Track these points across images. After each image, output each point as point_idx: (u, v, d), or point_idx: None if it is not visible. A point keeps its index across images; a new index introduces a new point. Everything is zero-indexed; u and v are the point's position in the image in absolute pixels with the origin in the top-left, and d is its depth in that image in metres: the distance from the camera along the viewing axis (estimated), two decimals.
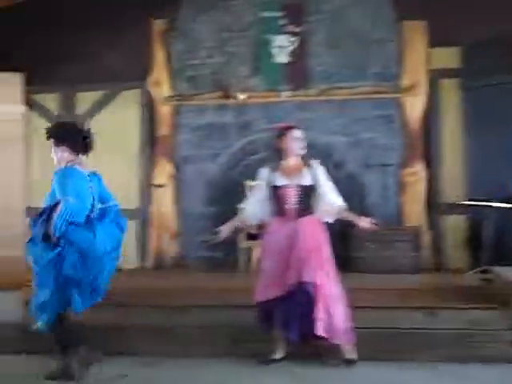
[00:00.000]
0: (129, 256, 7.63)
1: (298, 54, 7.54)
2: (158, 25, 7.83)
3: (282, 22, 7.56)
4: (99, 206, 4.77)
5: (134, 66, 7.69)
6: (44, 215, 4.63)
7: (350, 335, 4.80)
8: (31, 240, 4.65)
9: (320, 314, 4.68)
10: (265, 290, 4.83)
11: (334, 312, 4.75)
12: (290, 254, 4.78)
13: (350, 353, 4.84)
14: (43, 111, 8.09)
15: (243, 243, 7.01)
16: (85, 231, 4.57)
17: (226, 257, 7.37)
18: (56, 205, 4.59)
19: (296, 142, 4.94)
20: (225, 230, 5.07)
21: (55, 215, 4.51)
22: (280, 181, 4.90)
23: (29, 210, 7.94)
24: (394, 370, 4.76)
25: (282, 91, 7.55)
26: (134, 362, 4.97)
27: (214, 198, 7.67)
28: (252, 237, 6.81)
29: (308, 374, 4.72)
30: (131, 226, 7.76)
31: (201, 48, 7.77)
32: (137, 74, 7.74)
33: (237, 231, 6.18)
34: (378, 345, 4.96)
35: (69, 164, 4.74)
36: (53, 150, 4.80)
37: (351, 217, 4.96)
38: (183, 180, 7.73)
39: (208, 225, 7.48)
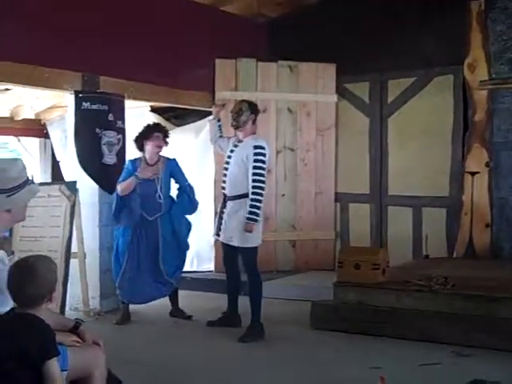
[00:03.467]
0: (438, 244, 7.46)
1: None
2: (475, 5, 7.44)
3: None
4: None
5: (448, 50, 7.44)
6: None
7: None
8: None
9: None
10: None
11: None
12: None
13: None
14: (354, 100, 8.22)
15: None
16: None
17: None
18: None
19: None
20: None
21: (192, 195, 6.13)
22: None
23: (339, 195, 8.19)
24: None
25: None
26: (446, 351, 4.82)
27: None
28: None
29: None
30: (440, 214, 7.60)
31: None
32: (451, 58, 7.47)
33: None
34: None
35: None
36: (158, 144, 5.94)
37: None
38: (499, 167, 7.28)
39: None
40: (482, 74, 7.39)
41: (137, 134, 6.12)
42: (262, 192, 5.29)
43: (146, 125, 6.15)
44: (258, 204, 5.25)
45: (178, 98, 7.57)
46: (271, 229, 7.78)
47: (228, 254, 5.62)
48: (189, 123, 8.43)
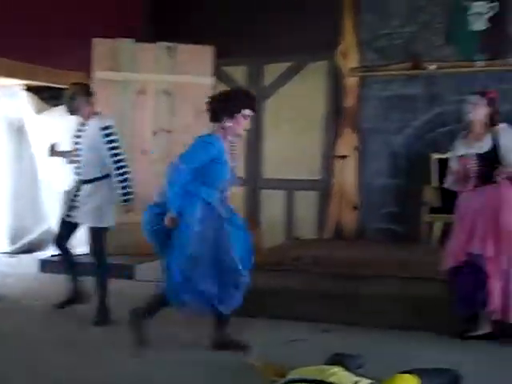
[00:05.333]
0: (308, 226, 7.71)
1: (497, 21, 7.06)
2: None
3: None
4: None
5: (322, 37, 7.62)
6: None
7: None
8: None
9: (492, 289, 4.50)
10: (448, 258, 4.76)
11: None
12: (472, 225, 4.64)
13: None
14: (231, 83, 8.31)
15: (426, 216, 6.80)
16: None
17: (407, 230, 7.19)
18: None
19: (469, 109, 4.73)
20: None
21: None
22: (461, 150, 4.77)
23: None
24: None
25: (476, 61, 7.13)
26: (313, 328, 5.00)
27: (397, 170, 7.47)
28: (435, 210, 6.61)
29: (496, 352, 4.47)
30: (312, 197, 7.85)
31: (392, 17, 7.52)
32: (324, 45, 7.68)
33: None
34: None
35: None
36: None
37: None
38: (367, 152, 7.60)
39: (390, 197, 7.41)
40: (354, 61, 7.68)
41: (224, 99, 4.51)
42: (128, 170, 5.25)
43: (240, 90, 4.89)
44: (129, 183, 5.23)
45: (54, 77, 7.39)
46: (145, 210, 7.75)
47: (65, 233, 5.48)
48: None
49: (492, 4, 7.11)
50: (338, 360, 3.87)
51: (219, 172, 4.43)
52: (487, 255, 4.53)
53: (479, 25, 7.16)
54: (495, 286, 4.52)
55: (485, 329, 4.71)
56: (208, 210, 4.39)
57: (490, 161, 4.63)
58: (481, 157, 4.66)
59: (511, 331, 4.62)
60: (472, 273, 4.61)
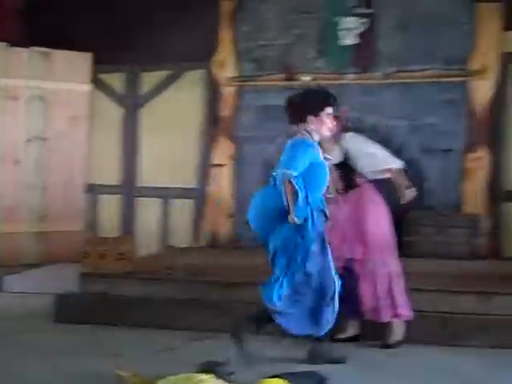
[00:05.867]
0: (184, 234, 7.73)
1: (366, 36, 7.36)
2: (226, 5, 7.79)
3: (351, 3, 7.40)
4: None
5: (200, 46, 7.69)
6: None
7: (400, 316, 4.75)
8: None
9: (364, 291, 4.69)
10: None
11: (381, 290, 4.70)
12: (343, 231, 4.81)
13: (396, 335, 4.76)
14: (108, 90, 8.23)
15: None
16: None
17: None
18: None
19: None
20: None
21: None
22: None
23: (89, 186, 8.14)
24: (445, 354, 4.64)
25: (347, 74, 7.41)
26: (185, 336, 5.00)
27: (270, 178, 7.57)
28: None
29: (362, 353, 4.65)
30: (187, 205, 7.88)
31: (267, 29, 7.67)
32: (202, 54, 7.73)
33: None
34: (429, 328, 4.85)
35: None
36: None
37: (400, 183, 4.79)
38: (242, 160, 7.69)
39: None
40: (230, 71, 7.76)
41: (304, 98, 4.30)
42: None
43: (319, 88, 4.67)
44: None
45: None
46: (18, 220, 7.54)
47: None
48: None
49: (362, 20, 7.40)
50: (209, 367, 3.91)
51: (321, 175, 4.17)
52: (356, 258, 4.72)
53: (349, 39, 7.44)
54: (366, 288, 4.70)
55: (353, 331, 4.89)
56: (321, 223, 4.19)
57: (346, 168, 4.85)
58: (336, 167, 4.85)
59: (378, 333, 4.81)
60: (345, 276, 4.78)
